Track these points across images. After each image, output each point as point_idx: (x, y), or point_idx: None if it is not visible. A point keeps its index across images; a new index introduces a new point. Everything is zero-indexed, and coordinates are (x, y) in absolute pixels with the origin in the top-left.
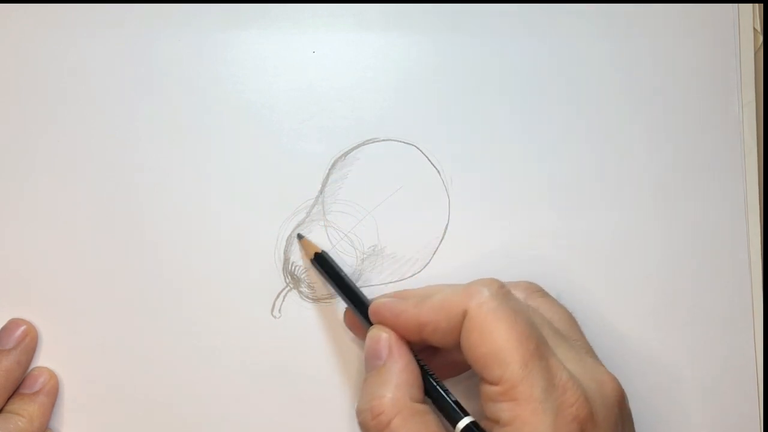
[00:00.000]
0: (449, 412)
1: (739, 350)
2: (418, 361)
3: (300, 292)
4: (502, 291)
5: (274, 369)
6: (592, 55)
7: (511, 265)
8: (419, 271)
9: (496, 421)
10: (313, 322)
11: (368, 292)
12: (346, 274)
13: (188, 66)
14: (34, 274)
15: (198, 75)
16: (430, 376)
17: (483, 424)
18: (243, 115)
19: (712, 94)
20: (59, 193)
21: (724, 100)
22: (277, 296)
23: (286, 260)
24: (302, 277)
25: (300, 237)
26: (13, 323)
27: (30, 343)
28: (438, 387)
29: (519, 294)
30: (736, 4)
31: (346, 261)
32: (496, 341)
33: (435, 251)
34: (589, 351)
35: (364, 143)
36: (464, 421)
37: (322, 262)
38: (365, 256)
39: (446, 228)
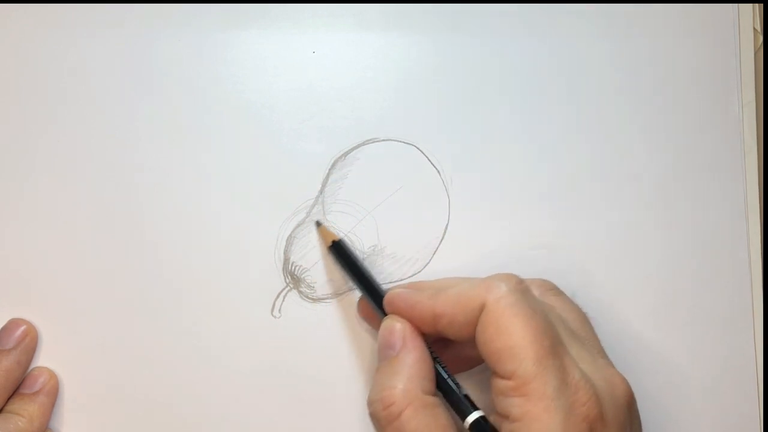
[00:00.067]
0: (459, 405)
1: (739, 350)
2: (430, 353)
3: (300, 292)
4: (521, 287)
5: (274, 369)
6: (592, 55)
7: (511, 265)
8: (419, 271)
9: (506, 416)
10: (313, 322)
11: None
12: (362, 264)
13: (188, 66)
14: (34, 274)
15: (198, 75)
16: (442, 369)
17: (492, 419)
18: (243, 115)
19: (712, 94)
20: (59, 193)
21: (724, 100)
22: (277, 296)
23: (286, 260)
24: (302, 277)
25: (318, 224)
26: (13, 323)
27: (30, 343)
28: (449, 380)
29: (534, 291)
30: (736, 4)
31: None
32: (512, 336)
33: (435, 251)
34: (601, 351)
35: (364, 143)
36: (474, 416)
37: (339, 249)
38: (365, 256)
39: (446, 228)
